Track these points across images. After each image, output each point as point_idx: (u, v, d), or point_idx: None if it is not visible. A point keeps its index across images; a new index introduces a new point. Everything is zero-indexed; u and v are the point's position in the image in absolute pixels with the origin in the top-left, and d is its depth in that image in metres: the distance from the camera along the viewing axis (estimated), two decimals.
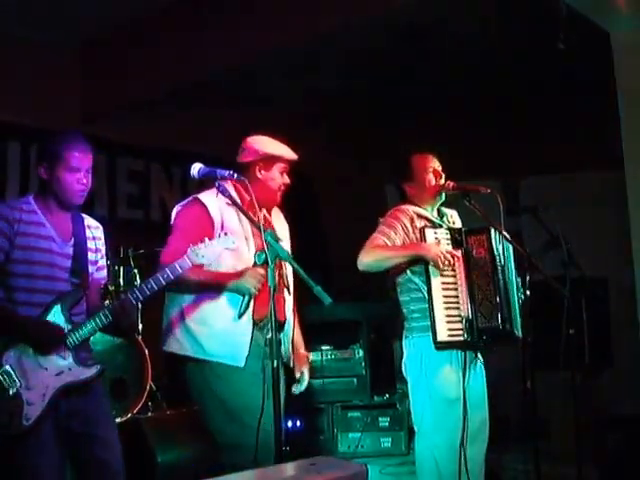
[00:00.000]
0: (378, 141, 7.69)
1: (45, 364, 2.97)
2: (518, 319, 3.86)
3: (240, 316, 3.41)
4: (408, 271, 3.90)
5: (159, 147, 6.79)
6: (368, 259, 3.83)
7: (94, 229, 3.30)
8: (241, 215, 3.48)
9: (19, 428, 2.89)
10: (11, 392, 2.90)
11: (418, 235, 3.87)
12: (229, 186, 3.56)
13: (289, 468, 2.87)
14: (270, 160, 3.58)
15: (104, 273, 3.36)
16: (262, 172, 3.59)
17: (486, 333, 3.77)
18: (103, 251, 3.34)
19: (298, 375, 3.72)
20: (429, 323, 3.77)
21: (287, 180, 3.65)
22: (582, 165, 6.48)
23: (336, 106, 7.38)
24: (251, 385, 3.39)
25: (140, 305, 4.91)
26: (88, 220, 3.29)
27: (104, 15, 5.69)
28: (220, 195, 3.45)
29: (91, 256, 3.23)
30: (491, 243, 3.83)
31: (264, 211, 3.65)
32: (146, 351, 5.07)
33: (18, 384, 2.92)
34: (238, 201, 3.42)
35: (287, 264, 3.59)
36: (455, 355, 3.81)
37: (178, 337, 3.47)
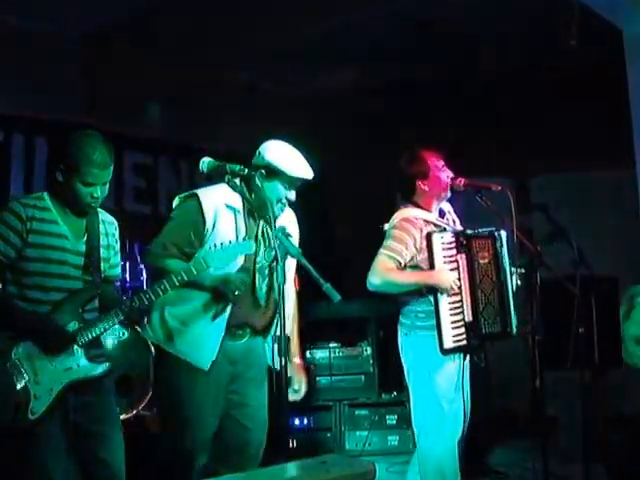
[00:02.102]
0: (390, 140, 7.66)
1: (54, 360, 2.98)
2: (514, 317, 3.93)
3: (213, 319, 3.38)
4: None
5: (167, 140, 6.75)
6: (379, 282, 3.81)
7: (108, 225, 3.27)
8: (240, 219, 3.42)
9: (24, 422, 2.90)
10: (19, 386, 2.90)
11: (425, 243, 3.83)
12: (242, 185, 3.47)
13: (298, 466, 2.86)
14: (273, 171, 3.42)
15: (118, 270, 3.36)
16: (262, 181, 3.42)
17: (489, 337, 3.87)
18: (117, 247, 3.32)
19: (296, 386, 3.65)
20: (434, 322, 3.78)
21: (291, 196, 3.46)
22: (594, 164, 6.45)
23: (348, 104, 7.36)
24: (205, 393, 3.40)
25: None
26: (103, 215, 3.27)
27: (109, 5, 5.63)
28: (222, 194, 3.41)
29: (104, 253, 3.21)
30: (496, 247, 3.90)
31: (263, 221, 3.52)
32: (152, 347, 5.05)
33: (26, 378, 2.93)
34: (248, 197, 3.35)
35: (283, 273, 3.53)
36: (458, 354, 3.86)
37: (155, 326, 3.44)
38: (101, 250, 3.19)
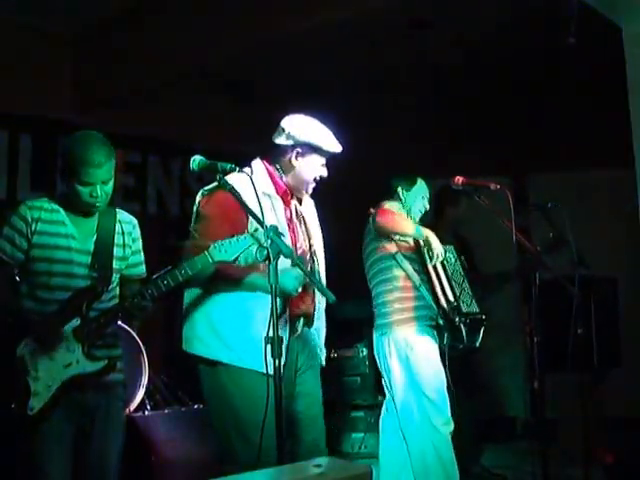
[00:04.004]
0: (388, 141, 7.63)
1: (55, 356, 3.00)
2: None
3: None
4: (399, 255, 4.13)
5: (157, 138, 6.69)
6: (386, 219, 4.11)
7: (125, 224, 3.28)
8: (278, 207, 3.30)
9: (23, 418, 2.93)
10: (20, 382, 2.95)
11: None
12: (262, 171, 3.35)
13: (292, 469, 2.81)
14: (312, 148, 3.33)
15: (140, 269, 3.33)
16: (298, 160, 3.34)
17: (469, 316, 4.09)
18: (135, 246, 3.31)
19: None
20: (410, 315, 4.04)
21: (324, 172, 3.39)
22: (594, 164, 6.42)
23: (345, 101, 7.31)
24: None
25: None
26: (121, 215, 3.29)
27: (97, 3, 5.58)
28: (252, 181, 3.12)
29: (118, 251, 3.21)
30: (458, 253, 4.32)
31: (295, 201, 3.46)
32: (143, 347, 4.99)
33: (28, 374, 2.97)
34: (241, 196, 3.14)
35: (319, 261, 3.46)
36: (436, 346, 4.07)
37: (204, 340, 3.25)
38: (115, 249, 3.20)
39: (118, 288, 3.26)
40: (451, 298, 4.07)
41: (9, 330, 3.04)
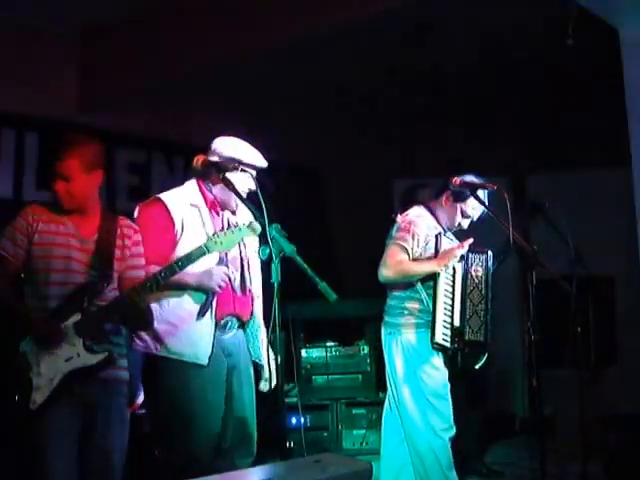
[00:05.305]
0: (388, 140, 7.65)
1: (56, 350, 3.06)
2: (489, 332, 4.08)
3: (202, 315, 3.41)
4: None
5: (161, 138, 6.71)
6: (390, 274, 3.98)
7: (126, 228, 3.35)
8: (205, 215, 3.50)
9: (25, 412, 2.98)
10: (22, 377, 3.01)
11: (434, 241, 4.05)
12: (193, 186, 3.57)
13: (294, 465, 2.85)
14: (240, 164, 3.51)
15: (139, 273, 3.36)
16: (231, 175, 3.49)
17: (470, 345, 4.00)
18: (135, 250, 3.36)
19: (267, 374, 3.68)
20: (421, 320, 3.99)
21: (252, 186, 3.53)
22: (593, 163, 6.44)
23: (345, 101, 7.33)
24: (210, 389, 3.41)
25: None
26: (122, 220, 3.38)
27: (100, 2, 5.60)
28: (185, 194, 3.51)
29: (118, 253, 3.28)
30: (488, 265, 4.07)
31: (227, 213, 3.62)
32: None
33: (30, 369, 3.02)
34: (242, 193, 3.40)
35: (250, 267, 3.61)
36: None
37: (141, 335, 3.47)
38: (116, 251, 3.27)
39: (118, 288, 3.31)
40: (457, 322, 3.98)
41: (12, 327, 3.10)
